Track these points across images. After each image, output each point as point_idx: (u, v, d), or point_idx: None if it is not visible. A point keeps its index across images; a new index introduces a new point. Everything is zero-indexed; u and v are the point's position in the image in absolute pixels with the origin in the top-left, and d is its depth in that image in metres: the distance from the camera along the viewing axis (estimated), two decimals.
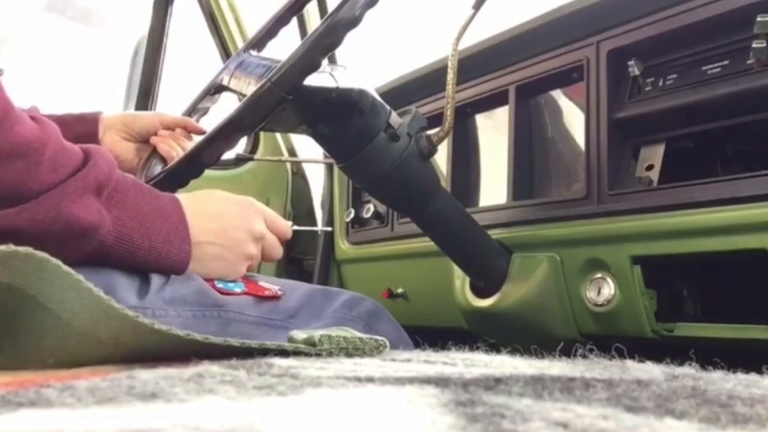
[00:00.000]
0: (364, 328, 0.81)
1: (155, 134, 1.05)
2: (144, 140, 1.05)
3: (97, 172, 0.60)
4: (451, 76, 0.97)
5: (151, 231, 0.64)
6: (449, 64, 0.97)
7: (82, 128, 0.95)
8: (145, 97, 1.72)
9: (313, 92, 0.81)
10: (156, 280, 0.67)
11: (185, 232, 0.67)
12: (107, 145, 1.03)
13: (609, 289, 0.93)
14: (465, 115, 1.28)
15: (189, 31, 1.79)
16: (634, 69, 0.95)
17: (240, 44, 1.70)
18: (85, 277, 0.40)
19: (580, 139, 1.07)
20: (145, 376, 0.35)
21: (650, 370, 0.47)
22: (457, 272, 1.13)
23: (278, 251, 0.79)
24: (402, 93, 1.36)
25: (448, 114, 0.95)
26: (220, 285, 0.72)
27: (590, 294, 0.95)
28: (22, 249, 0.36)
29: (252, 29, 1.50)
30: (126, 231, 0.62)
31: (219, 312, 0.70)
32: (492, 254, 1.05)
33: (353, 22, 0.76)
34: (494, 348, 0.73)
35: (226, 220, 0.72)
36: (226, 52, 1.73)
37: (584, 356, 0.56)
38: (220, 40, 1.74)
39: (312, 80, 0.79)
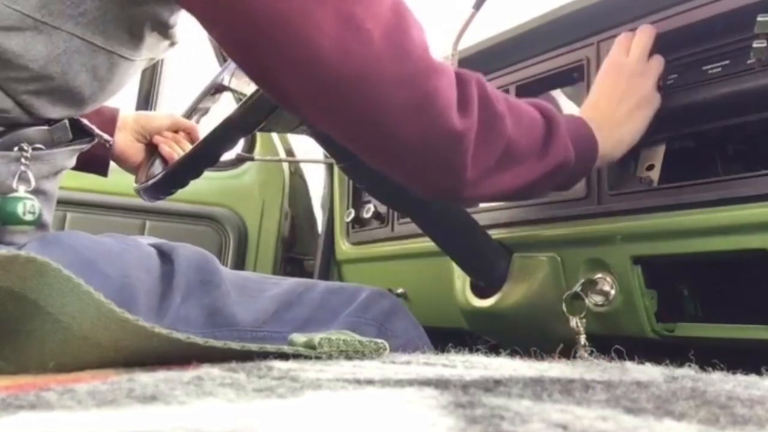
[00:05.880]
0: (377, 330, 0.82)
1: (159, 135, 1.05)
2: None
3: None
4: None
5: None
6: (449, 64, 0.97)
7: (99, 124, 0.96)
8: (146, 98, 1.72)
9: None
10: (175, 296, 0.69)
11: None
12: (120, 145, 1.02)
13: (609, 289, 0.93)
14: None
15: (189, 30, 1.78)
16: None
17: None
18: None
19: None
20: (145, 379, 0.35)
21: (650, 372, 0.47)
22: (458, 272, 1.13)
23: None
24: None
25: None
26: None
27: (591, 294, 0.95)
28: (22, 254, 0.37)
29: None
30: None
31: (231, 331, 0.75)
32: (492, 254, 1.04)
33: None
34: (494, 350, 0.73)
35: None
36: None
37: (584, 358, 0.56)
38: None
39: None
